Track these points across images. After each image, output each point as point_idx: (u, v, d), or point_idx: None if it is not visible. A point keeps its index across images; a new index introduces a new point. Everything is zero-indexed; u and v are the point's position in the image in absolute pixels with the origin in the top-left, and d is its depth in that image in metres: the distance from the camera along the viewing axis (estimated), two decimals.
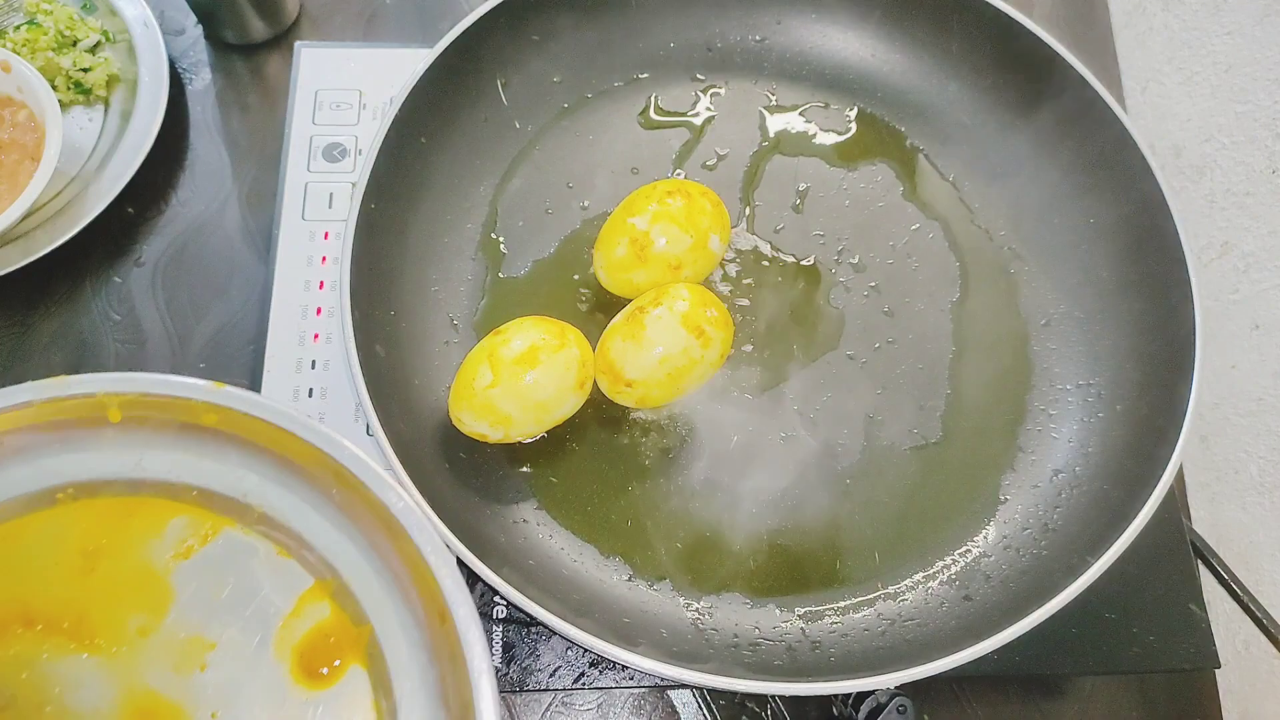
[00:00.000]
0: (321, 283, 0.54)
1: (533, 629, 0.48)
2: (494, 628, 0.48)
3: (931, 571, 0.49)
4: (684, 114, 0.59)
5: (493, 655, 0.47)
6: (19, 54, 0.56)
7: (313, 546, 0.37)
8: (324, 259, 0.54)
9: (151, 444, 0.37)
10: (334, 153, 0.57)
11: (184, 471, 0.38)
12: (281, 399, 0.50)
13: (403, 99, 0.50)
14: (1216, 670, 0.51)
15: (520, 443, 0.49)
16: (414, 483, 0.42)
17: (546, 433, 0.49)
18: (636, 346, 0.46)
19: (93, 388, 0.36)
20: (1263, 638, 0.48)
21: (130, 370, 0.53)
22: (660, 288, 0.48)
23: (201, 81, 0.61)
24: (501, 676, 0.47)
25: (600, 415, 0.50)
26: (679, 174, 0.57)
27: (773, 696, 0.49)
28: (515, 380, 0.44)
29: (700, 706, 0.49)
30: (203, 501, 0.38)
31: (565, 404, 0.46)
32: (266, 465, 0.37)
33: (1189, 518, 0.57)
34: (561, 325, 0.47)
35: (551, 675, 0.47)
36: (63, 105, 0.56)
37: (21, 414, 0.35)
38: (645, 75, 0.59)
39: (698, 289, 0.48)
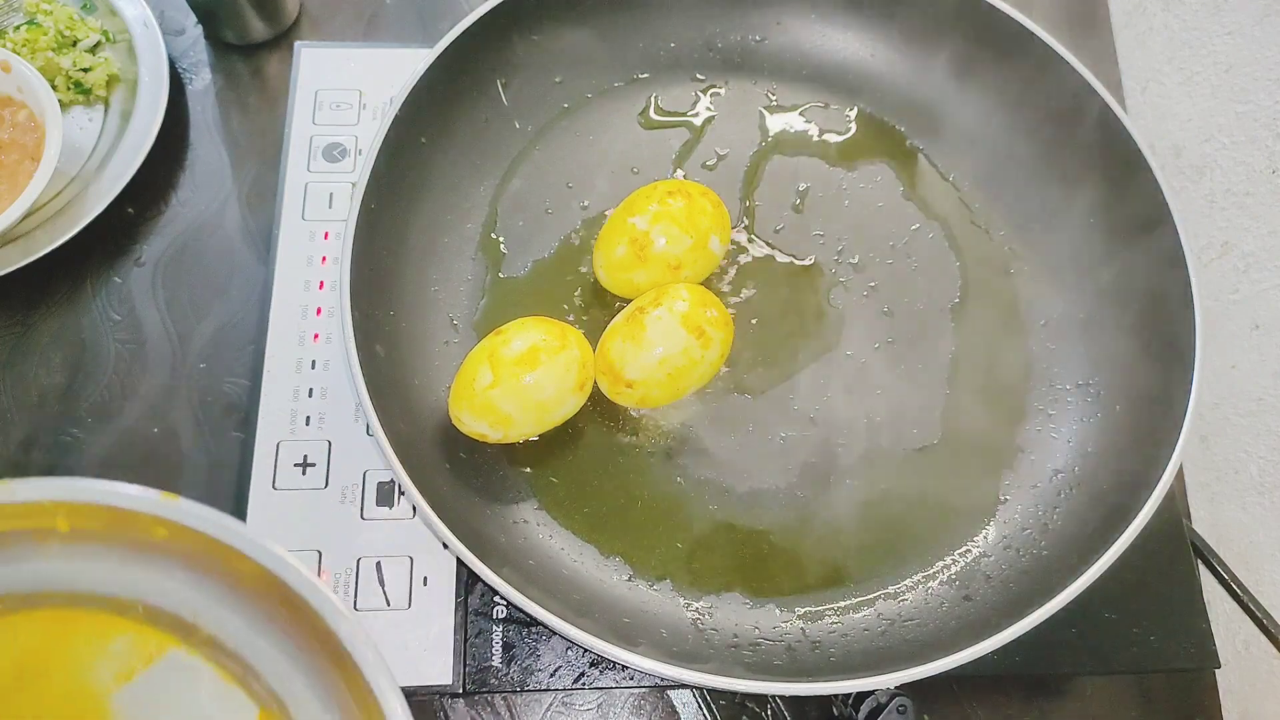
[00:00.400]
0: (321, 283, 0.54)
1: (533, 629, 0.48)
2: (494, 628, 0.48)
3: (931, 571, 0.49)
4: (684, 114, 0.59)
5: (493, 655, 0.47)
6: (19, 54, 0.56)
7: (259, 674, 0.35)
8: (324, 259, 0.54)
9: (98, 555, 0.35)
10: (334, 153, 0.57)
11: (130, 586, 0.35)
12: (282, 398, 0.51)
13: (403, 99, 0.50)
14: (1216, 670, 0.51)
15: (520, 443, 0.49)
16: (414, 483, 0.42)
17: (547, 433, 0.49)
18: (636, 347, 0.46)
19: (41, 495, 0.33)
20: (1263, 638, 0.48)
21: (131, 368, 0.53)
22: (660, 288, 0.48)
23: (201, 81, 0.61)
24: (501, 676, 0.47)
25: (601, 416, 0.50)
26: (679, 174, 0.57)
27: (773, 696, 0.49)
28: (515, 381, 0.44)
29: (700, 706, 0.49)
30: (148, 619, 0.35)
31: (565, 405, 0.46)
32: (215, 584, 0.35)
33: (1189, 518, 0.57)
34: (562, 326, 0.47)
35: (551, 675, 0.47)
36: (63, 105, 0.56)
37: None
38: (645, 75, 0.59)
39: (697, 289, 0.48)
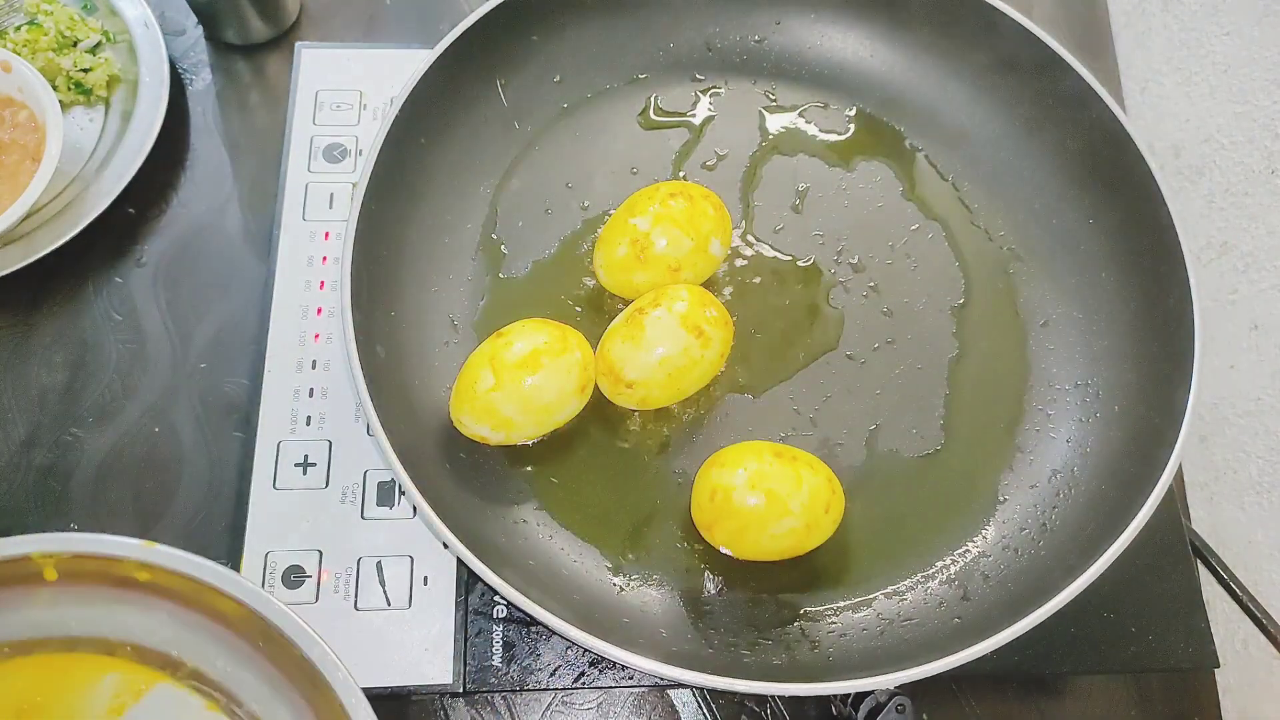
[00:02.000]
0: (322, 283, 0.54)
1: (533, 628, 0.48)
2: (494, 627, 0.48)
3: (931, 571, 0.49)
4: (684, 114, 0.59)
5: (493, 654, 0.47)
6: (19, 54, 0.56)
7: (242, 702, 0.38)
8: (324, 259, 0.54)
9: (85, 601, 0.38)
10: (334, 153, 0.57)
11: (117, 628, 0.38)
12: (282, 398, 0.51)
13: (403, 99, 0.50)
14: (1215, 670, 0.51)
15: (521, 444, 0.49)
16: (414, 483, 0.42)
17: (548, 434, 0.49)
18: (636, 348, 0.46)
19: (27, 548, 0.36)
20: (1262, 637, 0.48)
21: (132, 368, 0.53)
22: (660, 289, 0.48)
23: (202, 82, 0.62)
24: (501, 676, 0.47)
25: (601, 416, 0.50)
26: (681, 175, 0.57)
27: (772, 696, 0.49)
28: (517, 384, 0.44)
29: (700, 706, 0.49)
30: (136, 657, 0.38)
31: (567, 407, 0.46)
32: (197, 621, 0.38)
33: (1188, 518, 0.57)
34: (564, 328, 0.47)
35: (551, 675, 0.47)
36: (63, 105, 0.56)
37: None
38: (645, 75, 0.59)
39: (697, 289, 0.48)
